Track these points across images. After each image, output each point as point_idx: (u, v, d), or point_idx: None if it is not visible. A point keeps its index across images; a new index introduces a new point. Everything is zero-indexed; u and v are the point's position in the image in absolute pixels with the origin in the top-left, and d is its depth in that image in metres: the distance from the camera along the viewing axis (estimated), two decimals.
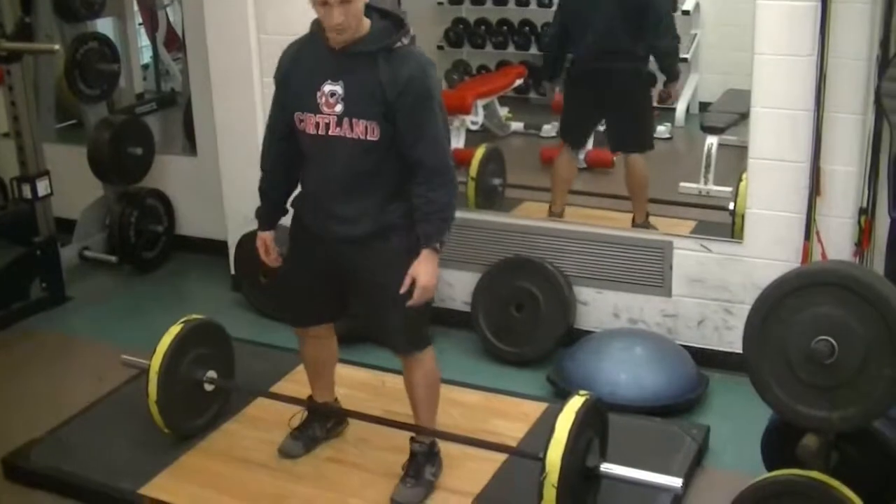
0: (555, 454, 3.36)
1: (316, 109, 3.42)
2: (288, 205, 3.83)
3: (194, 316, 4.29)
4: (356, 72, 3.37)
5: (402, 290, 3.46)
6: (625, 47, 5.54)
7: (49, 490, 4.11)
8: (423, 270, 3.48)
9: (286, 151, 3.66)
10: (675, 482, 3.56)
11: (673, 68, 5.75)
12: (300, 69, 3.52)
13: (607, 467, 3.60)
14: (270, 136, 3.72)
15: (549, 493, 3.36)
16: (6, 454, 4.23)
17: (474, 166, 5.97)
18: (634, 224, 5.59)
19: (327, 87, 3.40)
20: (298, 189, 3.77)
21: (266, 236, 3.84)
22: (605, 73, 5.63)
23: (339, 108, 3.39)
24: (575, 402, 3.52)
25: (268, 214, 3.84)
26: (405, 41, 3.39)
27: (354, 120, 3.38)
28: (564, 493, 3.37)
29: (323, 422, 4.13)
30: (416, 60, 3.39)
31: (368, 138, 3.39)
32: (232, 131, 5.63)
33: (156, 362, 4.06)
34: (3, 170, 6.38)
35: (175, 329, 4.15)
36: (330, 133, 3.42)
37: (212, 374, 4.25)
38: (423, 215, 3.47)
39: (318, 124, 3.43)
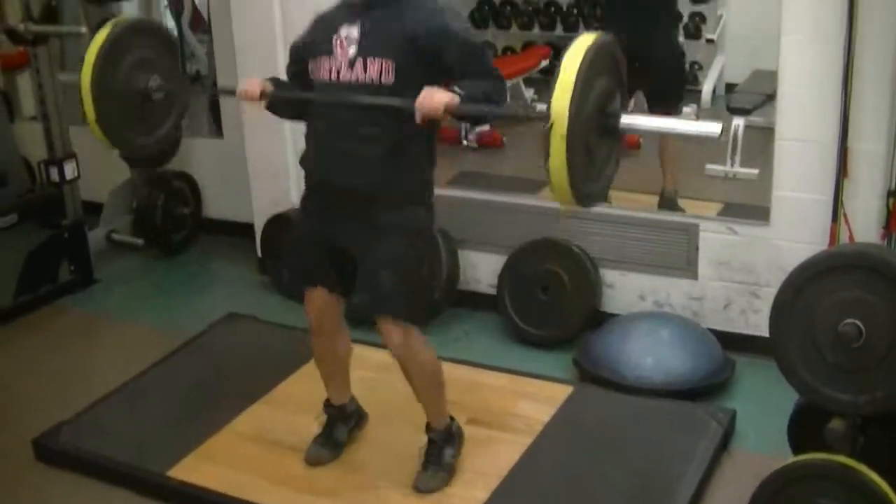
0: (561, 103, 2.87)
1: (330, 52, 3.38)
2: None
3: (122, 18, 3.94)
4: (376, 16, 3.34)
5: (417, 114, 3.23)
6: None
7: (78, 471, 4.14)
8: (431, 95, 3.20)
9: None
10: (714, 128, 3.14)
11: None
12: (323, 22, 3.48)
13: (628, 119, 3.13)
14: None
15: (558, 145, 2.89)
16: (36, 436, 4.26)
17: None
18: (664, 194, 5.55)
19: (343, 31, 3.36)
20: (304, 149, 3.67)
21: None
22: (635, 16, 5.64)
23: (352, 49, 3.34)
24: (585, 39, 2.98)
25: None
26: None
27: (369, 59, 3.31)
28: (575, 144, 2.92)
29: (345, 423, 4.06)
30: (435, 4, 3.38)
31: (383, 82, 3.31)
32: (258, 113, 5.63)
33: (85, 76, 3.67)
34: (30, 153, 6.41)
35: (101, 35, 3.72)
36: (341, 78, 3.37)
37: (156, 80, 3.87)
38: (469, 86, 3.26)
39: (330, 69, 3.38)
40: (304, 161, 3.67)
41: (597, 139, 3.06)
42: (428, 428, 3.86)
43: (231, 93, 3.70)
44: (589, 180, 3.08)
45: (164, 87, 3.89)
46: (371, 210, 3.50)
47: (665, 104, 5.70)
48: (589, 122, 2.98)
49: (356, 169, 3.45)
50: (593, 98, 2.97)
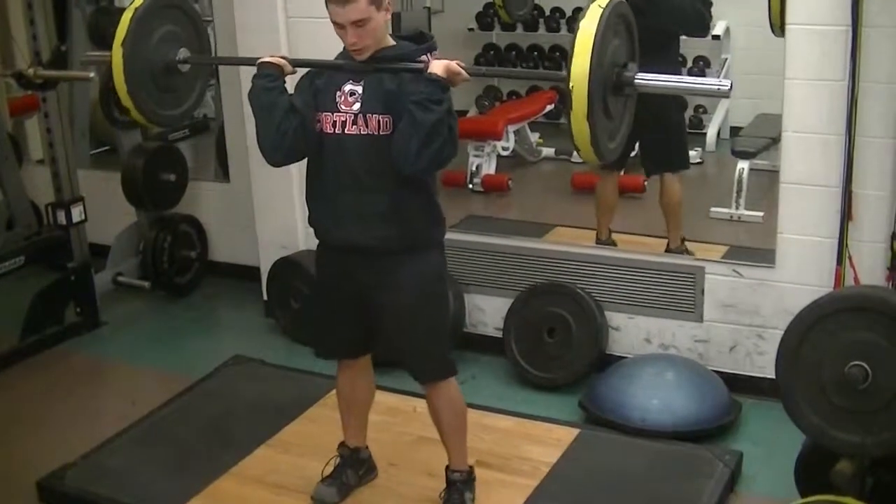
0: (581, 63, 3.06)
1: (334, 108, 3.45)
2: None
3: None
4: (379, 75, 3.42)
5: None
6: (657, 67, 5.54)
7: None
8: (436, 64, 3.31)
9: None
10: (724, 84, 3.25)
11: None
12: (325, 75, 3.55)
13: (643, 77, 3.23)
14: None
15: (579, 104, 3.06)
16: (40, 478, 4.25)
17: None
18: (669, 249, 5.55)
19: (348, 87, 3.44)
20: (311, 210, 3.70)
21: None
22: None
23: (356, 106, 3.42)
24: (599, 3, 3.12)
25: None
26: (428, 58, 3.41)
27: (369, 115, 3.40)
28: (594, 102, 3.06)
29: (356, 468, 4.04)
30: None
31: (381, 133, 3.39)
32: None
33: (117, 42, 3.74)
34: (37, 196, 6.44)
35: (131, 9, 3.77)
36: (346, 131, 3.43)
37: (184, 52, 3.94)
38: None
39: (335, 122, 3.45)
40: (311, 220, 3.70)
41: (613, 98, 3.21)
42: (449, 469, 3.86)
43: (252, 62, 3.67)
44: (607, 137, 3.20)
45: (191, 60, 3.96)
46: (387, 263, 3.56)
47: (666, 169, 5.71)
48: (606, 81, 3.13)
49: (366, 226, 3.50)
50: (609, 58, 3.13)
